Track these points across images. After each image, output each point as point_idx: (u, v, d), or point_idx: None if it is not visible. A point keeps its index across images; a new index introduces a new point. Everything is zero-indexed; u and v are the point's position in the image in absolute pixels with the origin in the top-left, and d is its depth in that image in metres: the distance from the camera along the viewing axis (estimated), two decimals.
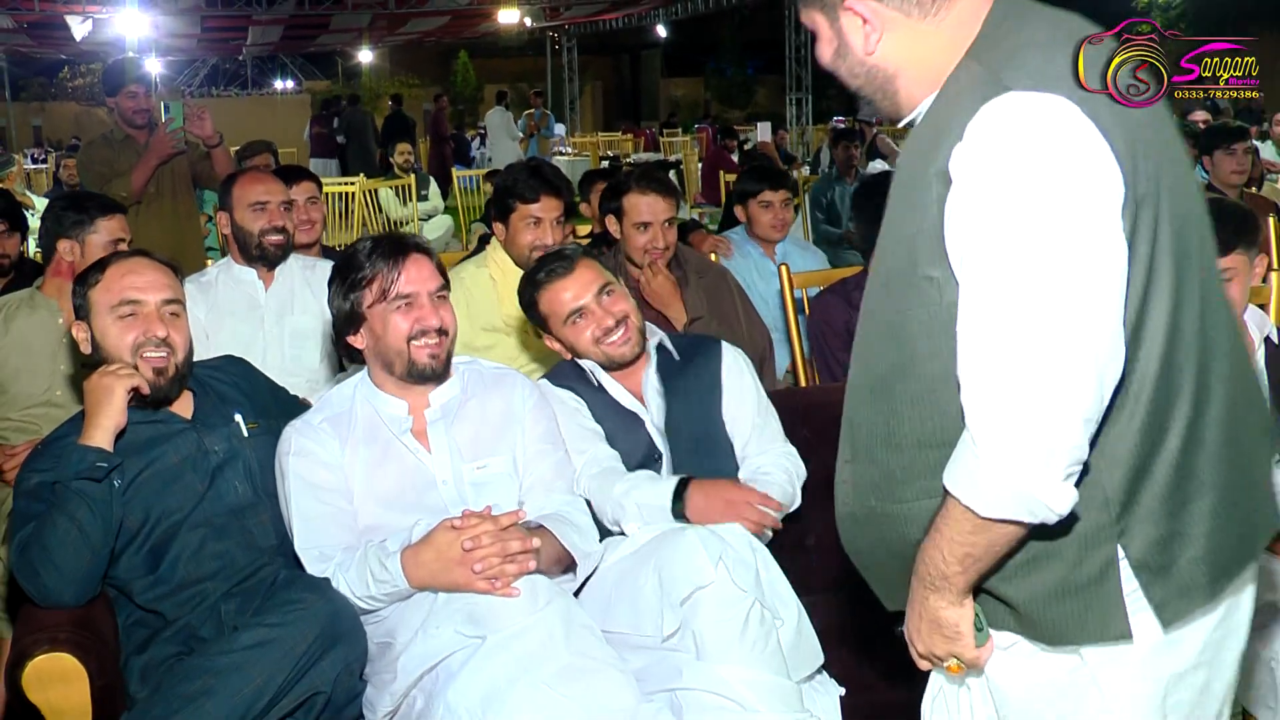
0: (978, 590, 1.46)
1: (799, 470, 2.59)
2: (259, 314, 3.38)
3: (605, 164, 12.80)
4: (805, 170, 11.14)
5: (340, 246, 6.23)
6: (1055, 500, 1.30)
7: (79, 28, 14.66)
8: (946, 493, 1.36)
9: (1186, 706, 1.46)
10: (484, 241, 4.43)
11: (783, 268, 3.78)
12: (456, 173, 10.55)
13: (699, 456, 2.57)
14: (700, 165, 12.40)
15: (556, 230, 3.20)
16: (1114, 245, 1.30)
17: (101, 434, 2.25)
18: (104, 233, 3.21)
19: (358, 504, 2.33)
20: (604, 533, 2.45)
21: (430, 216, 9.05)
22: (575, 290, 2.55)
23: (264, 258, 3.41)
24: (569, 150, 16.24)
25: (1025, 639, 1.47)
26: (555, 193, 3.22)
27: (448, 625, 2.10)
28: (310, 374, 3.37)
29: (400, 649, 2.13)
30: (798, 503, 2.56)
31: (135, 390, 2.32)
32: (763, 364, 3.34)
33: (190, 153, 4.70)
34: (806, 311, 3.65)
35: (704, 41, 28.90)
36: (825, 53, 1.52)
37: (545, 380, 2.65)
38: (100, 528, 2.21)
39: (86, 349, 2.42)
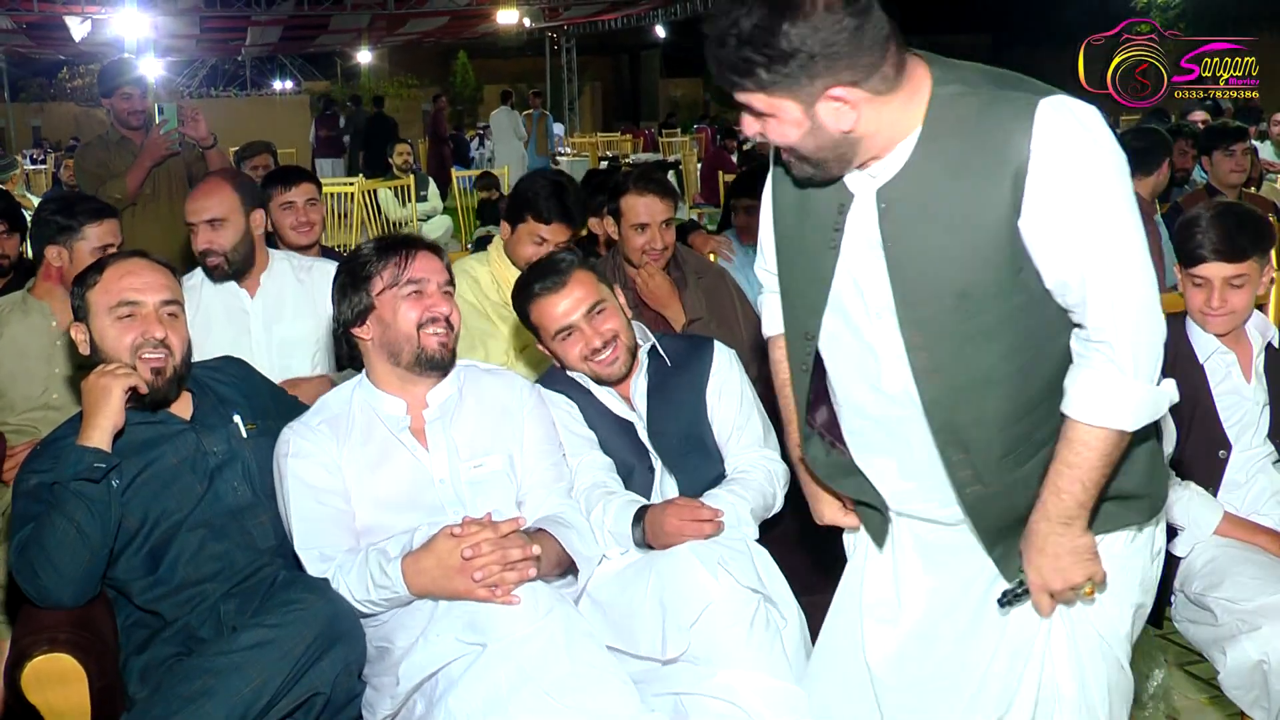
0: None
1: (780, 471, 2.59)
2: (244, 322, 3.26)
3: (604, 164, 12.81)
4: None
5: (340, 247, 6.26)
6: (1173, 393, 1.69)
7: (78, 28, 14.66)
8: (1078, 431, 1.66)
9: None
10: (482, 243, 4.43)
11: None
12: (456, 173, 10.57)
13: (687, 457, 2.58)
14: (699, 166, 12.38)
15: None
16: None
17: (99, 434, 2.25)
18: (92, 239, 3.18)
19: (355, 504, 2.33)
20: None
21: (429, 217, 9.05)
22: (565, 307, 2.54)
23: (222, 279, 3.21)
24: (568, 151, 16.24)
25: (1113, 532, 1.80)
26: (569, 222, 3.25)
27: (449, 632, 2.10)
28: None
29: (401, 655, 2.13)
30: (779, 505, 2.57)
31: (133, 390, 2.31)
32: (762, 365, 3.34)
33: (186, 154, 4.69)
34: None
35: (703, 42, 28.78)
36: (790, 134, 1.64)
37: (539, 384, 2.65)
38: (99, 528, 2.21)
39: (85, 350, 2.42)
